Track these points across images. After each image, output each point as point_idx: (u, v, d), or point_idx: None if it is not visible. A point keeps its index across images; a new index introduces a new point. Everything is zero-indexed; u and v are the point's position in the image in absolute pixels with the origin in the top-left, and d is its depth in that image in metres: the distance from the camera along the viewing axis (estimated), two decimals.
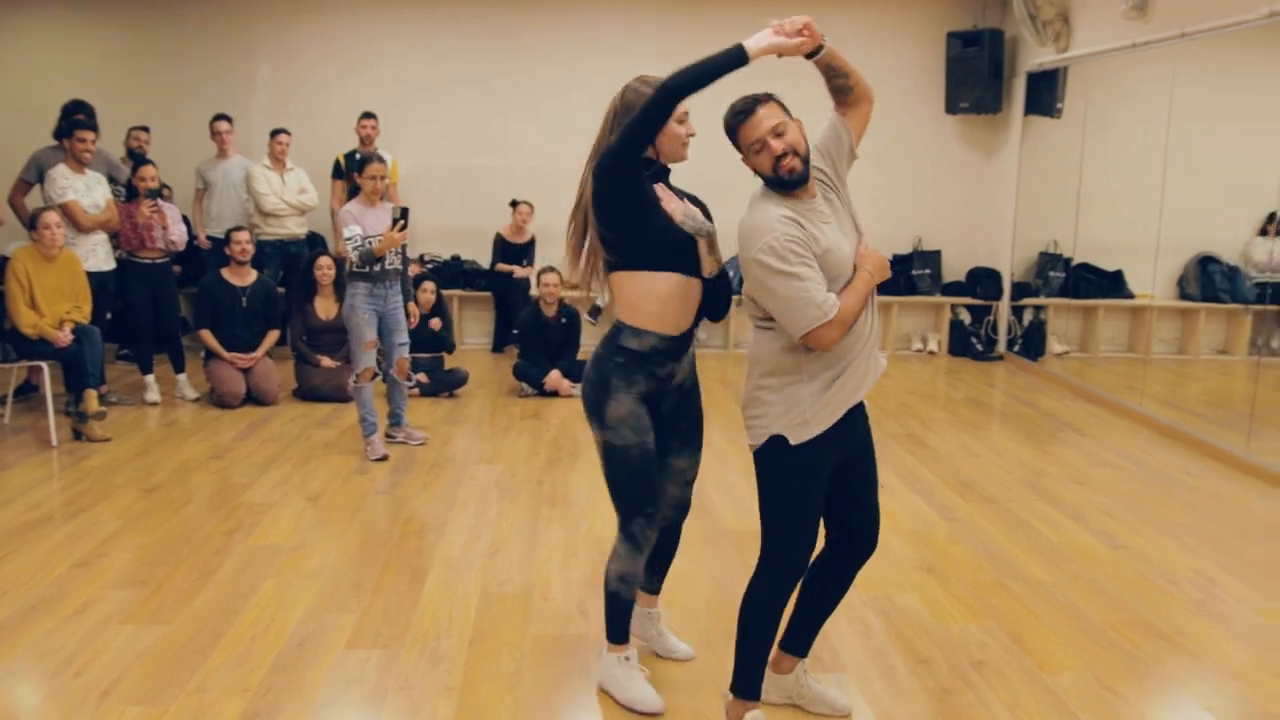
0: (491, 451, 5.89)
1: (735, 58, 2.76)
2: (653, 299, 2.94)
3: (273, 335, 7.03)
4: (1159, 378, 8.54)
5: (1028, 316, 9.39)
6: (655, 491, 3.03)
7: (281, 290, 7.51)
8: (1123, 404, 7.50)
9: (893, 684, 3.32)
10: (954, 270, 9.62)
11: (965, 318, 9.47)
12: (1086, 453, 6.18)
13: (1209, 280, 9.12)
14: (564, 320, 7.33)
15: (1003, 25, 9.04)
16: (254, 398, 6.81)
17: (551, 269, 7.38)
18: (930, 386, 8.17)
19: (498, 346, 8.89)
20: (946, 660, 3.49)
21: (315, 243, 8.43)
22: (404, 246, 5.70)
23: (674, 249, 2.94)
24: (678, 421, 3.16)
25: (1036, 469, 5.77)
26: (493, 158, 9.18)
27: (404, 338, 5.79)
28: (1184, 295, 9.11)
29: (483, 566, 4.20)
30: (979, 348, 9.35)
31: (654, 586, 3.44)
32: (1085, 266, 9.31)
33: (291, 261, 7.92)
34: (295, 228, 7.99)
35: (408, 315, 5.86)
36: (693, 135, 3.05)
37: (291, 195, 7.89)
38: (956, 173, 9.54)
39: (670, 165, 3.07)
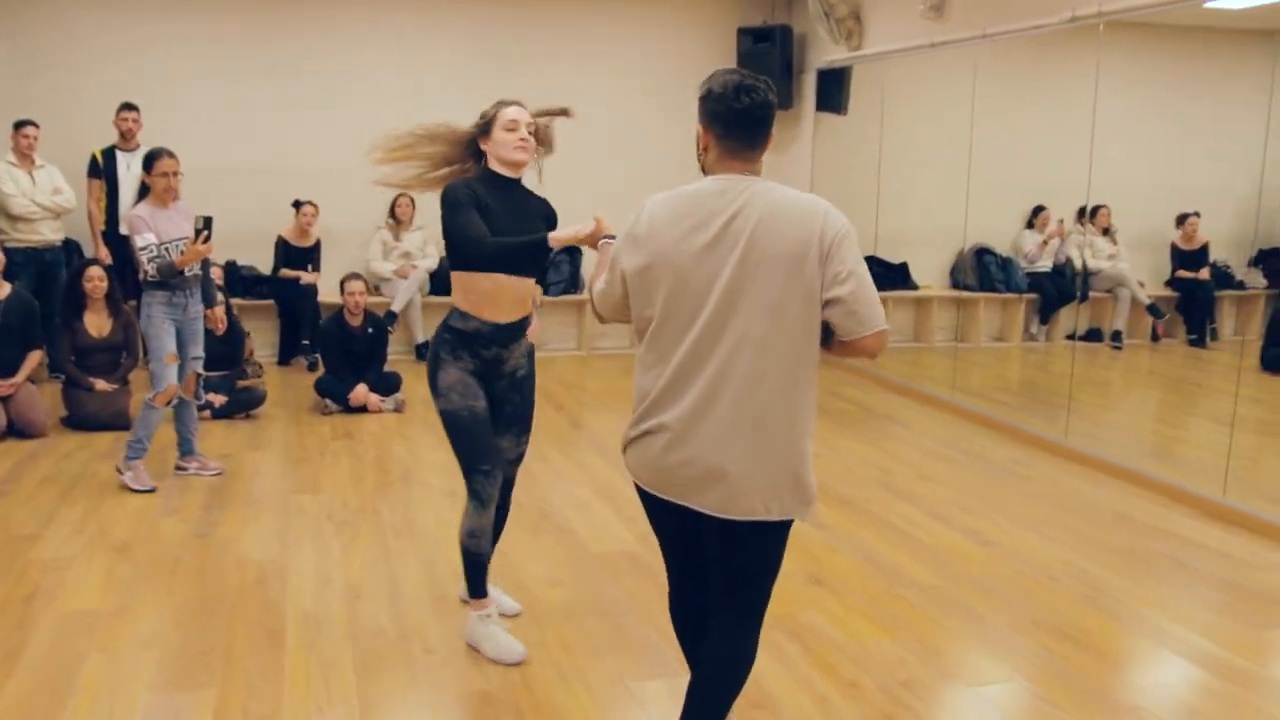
0: (311, 479, 5.34)
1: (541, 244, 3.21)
2: (479, 292, 3.33)
3: (34, 357, 6.12)
4: (945, 366, 8.88)
5: None
6: (489, 449, 3.37)
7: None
8: (930, 394, 7.70)
9: (831, 715, 3.13)
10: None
11: None
12: (918, 447, 6.26)
13: (985, 271, 9.56)
14: (370, 330, 6.79)
15: (792, 22, 9.12)
16: (17, 430, 5.91)
17: (357, 276, 6.82)
18: None
19: (284, 359, 8.18)
20: (874, 681, 3.34)
21: (74, 251, 7.48)
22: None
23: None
24: (504, 405, 3.49)
25: (881, 467, 5.78)
26: (273, 155, 8.43)
27: (199, 351, 5.18)
28: (962, 285, 9.52)
29: (345, 618, 3.72)
30: None
31: (478, 591, 3.51)
32: (873, 259, 9.57)
33: (46, 271, 6.98)
34: (50, 233, 7.05)
35: (213, 323, 5.34)
36: (525, 141, 3.37)
37: (44, 196, 6.96)
38: None
39: (514, 175, 3.42)
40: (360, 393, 6.62)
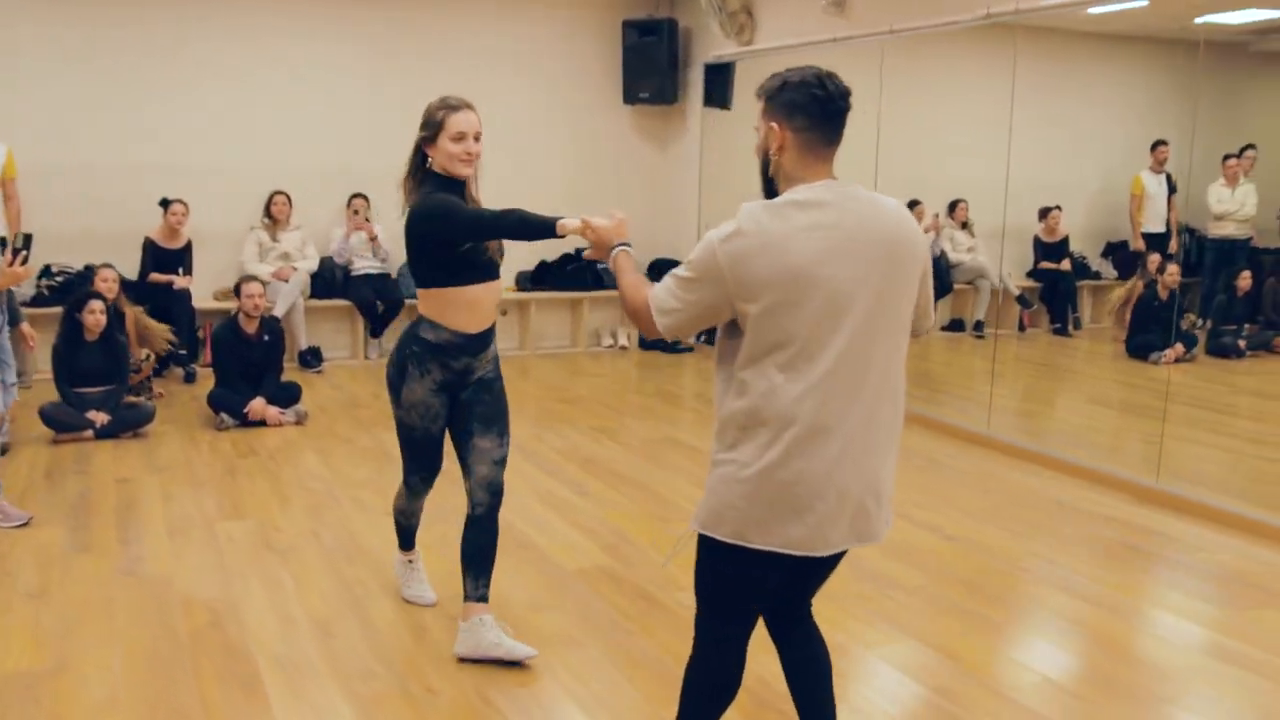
0: (231, 503, 4.87)
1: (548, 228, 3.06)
2: (456, 305, 3.24)
3: None
4: None
5: None
6: (433, 463, 3.50)
7: None
8: None
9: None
10: (639, 264, 9.46)
11: None
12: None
13: None
14: (266, 337, 6.29)
15: (678, 15, 8.99)
16: None
17: (252, 278, 6.31)
18: (659, 383, 7.97)
19: (158, 369, 7.53)
20: (912, 695, 3.21)
21: None
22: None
23: (468, 265, 3.23)
24: (475, 405, 3.36)
25: None
26: (135, 150, 7.73)
27: (12, 376, 4.74)
28: None
29: (325, 660, 3.36)
30: (667, 339, 9.26)
31: (478, 593, 3.35)
32: None
33: None
34: None
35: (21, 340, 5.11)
36: (472, 155, 3.22)
37: None
38: (637, 164, 9.40)
39: (456, 178, 3.25)
40: (259, 406, 6.12)
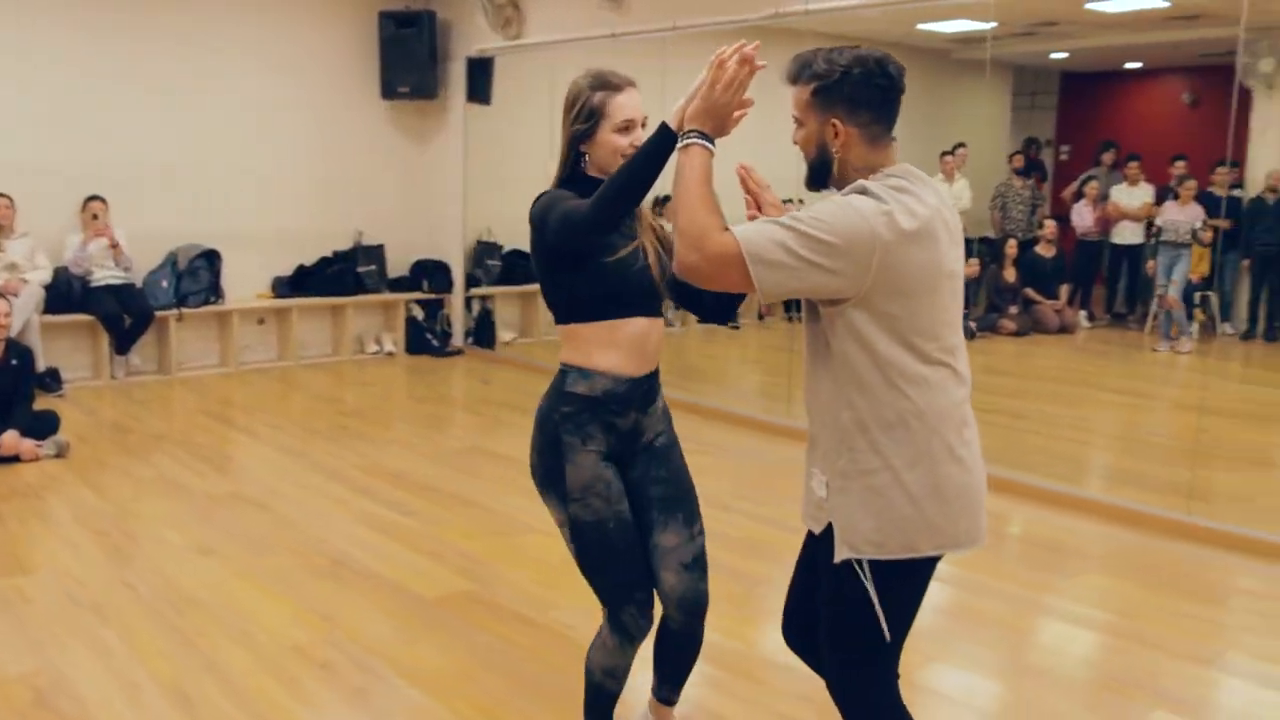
0: (11, 556, 4.23)
1: (663, 139, 2.17)
2: (606, 337, 2.42)
3: None
4: None
5: (476, 307, 9.22)
6: (642, 572, 2.45)
7: None
8: None
9: None
10: (399, 265, 9.08)
11: (419, 314, 9.00)
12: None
13: None
14: (14, 361, 5.53)
15: (435, 6, 8.65)
16: None
17: None
18: (451, 389, 7.64)
19: None
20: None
21: None
22: None
23: (627, 290, 2.42)
24: (648, 486, 2.50)
25: None
26: None
27: None
28: None
29: None
30: (435, 344, 8.95)
31: (665, 695, 2.71)
32: (518, 253, 9.39)
33: None
34: None
35: None
36: (636, 146, 2.33)
37: None
38: (396, 161, 9.00)
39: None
40: (10, 440, 5.37)
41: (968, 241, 8.95)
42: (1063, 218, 10.39)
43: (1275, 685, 3.33)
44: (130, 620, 3.64)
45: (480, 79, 8.68)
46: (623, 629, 2.44)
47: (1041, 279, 10.16)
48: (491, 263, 9.25)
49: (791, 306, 10.62)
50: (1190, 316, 7.70)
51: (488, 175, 8.89)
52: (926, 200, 1.97)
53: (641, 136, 2.37)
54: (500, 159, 8.89)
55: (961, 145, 10.58)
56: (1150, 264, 8.43)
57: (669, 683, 2.69)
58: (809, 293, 1.98)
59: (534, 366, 8.44)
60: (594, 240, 2.33)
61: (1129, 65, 11.09)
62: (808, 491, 2.16)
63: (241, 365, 8.05)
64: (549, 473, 2.44)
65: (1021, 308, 10.07)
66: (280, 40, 8.21)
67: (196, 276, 7.76)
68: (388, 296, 8.83)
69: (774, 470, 5.69)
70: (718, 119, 2.05)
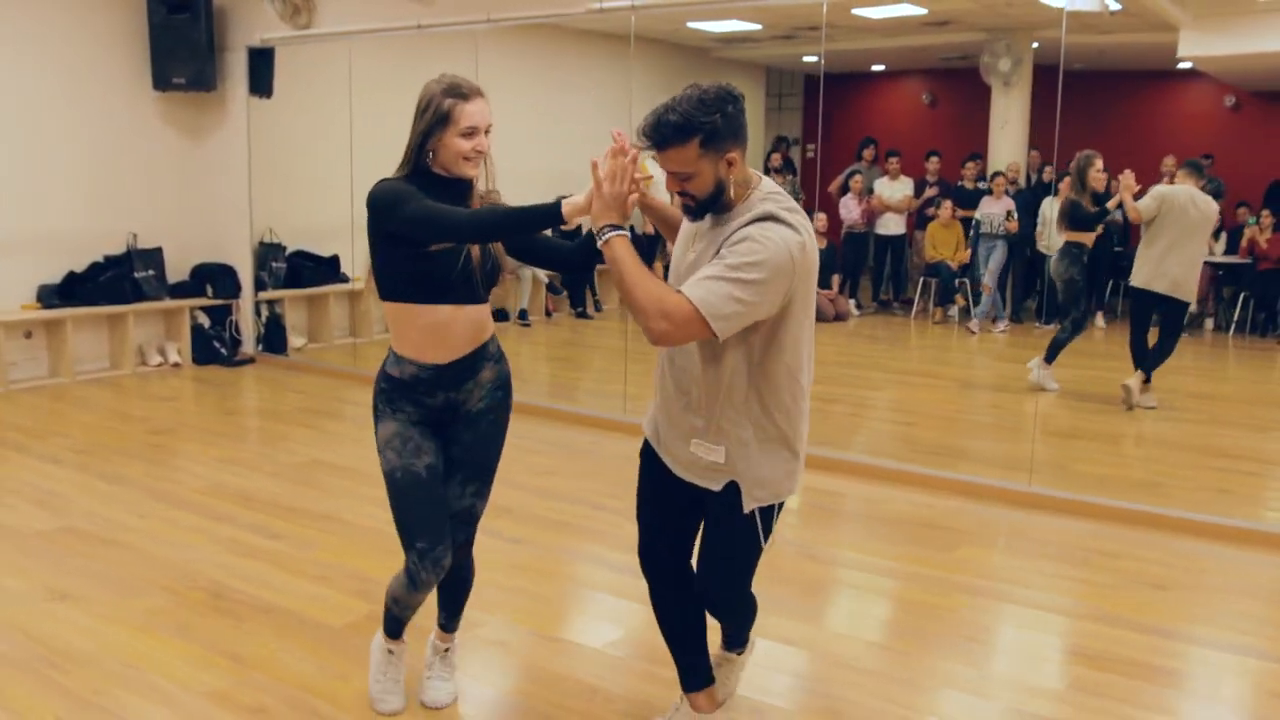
0: None
1: (552, 215, 2.45)
2: (418, 328, 2.72)
3: None
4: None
5: (265, 311, 8.71)
6: (429, 524, 2.75)
7: None
8: None
9: None
10: (179, 269, 8.44)
11: (205, 321, 8.40)
12: (533, 456, 6.08)
13: None
14: None
15: None
16: None
17: None
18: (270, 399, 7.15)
19: None
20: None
21: None
22: None
23: (439, 281, 2.69)
24: (451, 447, 2.85)
25: (518, 483, 5.52)
26: None
27: None
28: None
29: None
30: (224, 352, 8.38)
31: (445, 622, 3.12)
32: (303, 254, 8.97)
33: None
34: None
35: None
36: (480, 153, 2.67)
37: None
38: (172, 158, 8.35)
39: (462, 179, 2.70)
40: None
41: None
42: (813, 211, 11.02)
43: (1127, 626, 3.68)
44: (6, 687, 3.22)
45: (262, 70, 8.19)
46: (409, 573, 2.77)
47: None
48: (276, 265, 8.77)
49: (579, 302, 10.67)
50: (1003, 301, 8.34)
51: (274, 173, 8.42)
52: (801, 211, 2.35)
53: (484, 143, 2.64)
54: (288, 156, 8.44)
55: None
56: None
57: (445, 609, 3.09)
58: (750, 322, 2.30)
59: (331, 371, 8.10)
60: (419, 239, 2.57)
61: (874, 68, 11.78)
62: (692, 458, 2.53)
63: (11, 385, 7.25)
64: (375, 431, 2.83)
65: None
66: (36, 25, 7.43)
67: None
68: (170, 303, 8.19)
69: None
70: (620, 208, 2.32)
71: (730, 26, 10.43)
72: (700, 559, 2.64)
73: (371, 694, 3.06)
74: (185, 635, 3.57)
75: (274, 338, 8.67)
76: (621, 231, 2.31)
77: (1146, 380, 6.60)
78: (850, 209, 10.67)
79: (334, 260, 9.16)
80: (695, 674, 2.79)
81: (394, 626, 3.00)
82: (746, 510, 2.50)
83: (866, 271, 11.12)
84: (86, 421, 6.49)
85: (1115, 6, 7.59)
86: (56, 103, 7.57)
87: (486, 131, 2.65)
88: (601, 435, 6.33)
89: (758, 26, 10.62)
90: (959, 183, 9.12)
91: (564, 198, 2.42)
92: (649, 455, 2.68)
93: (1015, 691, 3.23)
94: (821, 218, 10.85)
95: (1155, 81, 10.57)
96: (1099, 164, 6.68)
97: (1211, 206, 6.47)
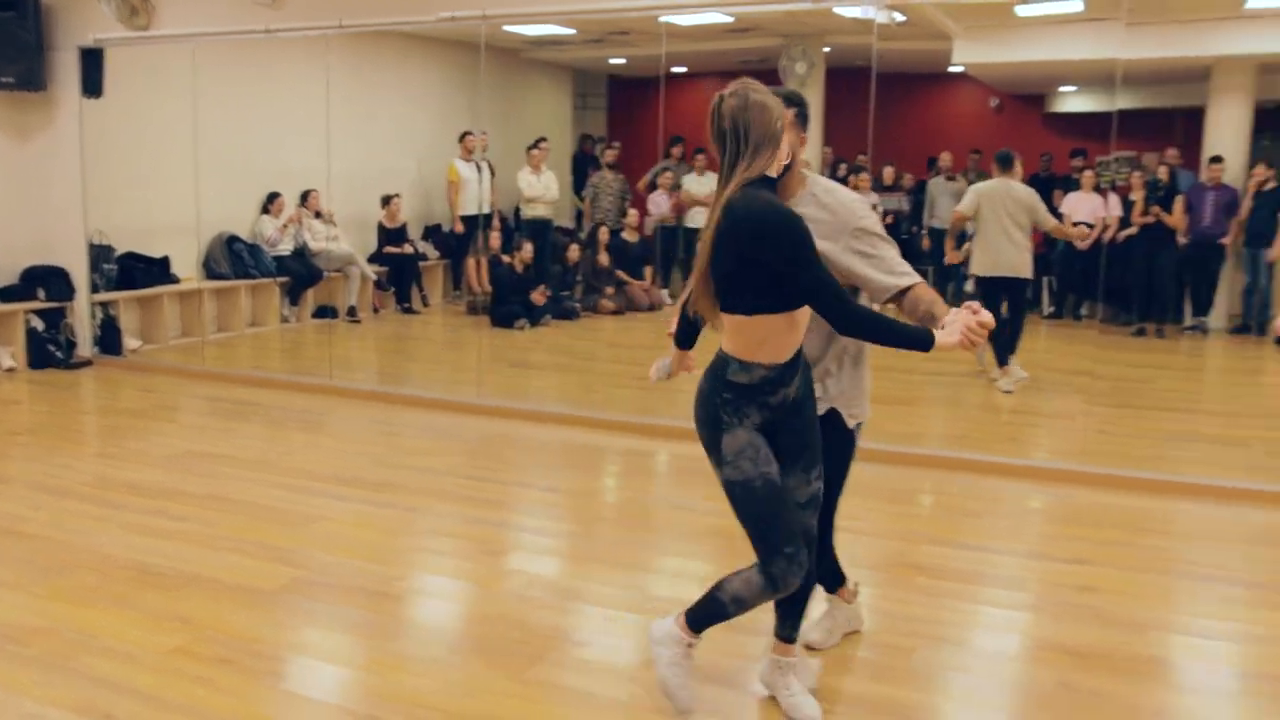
0: None
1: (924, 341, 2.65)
2: (768, 331, 2.76)
3: None
4: (274, 352, 8.96)
5: (99, 314, 8.67)
6: (793, 528, 2.80)
7: None
8: (296, 380, 7.66)
9: None
10: (8, 273, 8.31)
11: (39, 324, 8.29)
12: (353, 440, 6.44)
13: (237, 258, 9.68)
14: None
15: None
16: None
17: None
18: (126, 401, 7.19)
19: None
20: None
21: None
22: None
23: None
24: (778, 435, 2.87)
25: (391, 461, 5.89)
26: None
27: None
28: (216, 274, 9.52)
29: None
30: (60, 355, 8.31)
31: (785, 633, 3.12)
32: (133, 255, 8.98)
33: None
34: None
35: None
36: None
37: None
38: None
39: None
40: None
41: (564, 230, 10.26)
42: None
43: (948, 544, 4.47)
44: None
45: (92, 71, 8.17)
46: (771, 579, 2.77)
47: (629, 262, 11.33)
48: (107, 267, 8.75)
49: (405, 299, 10.96)
50: None
51: (107, 175, 8.41)
52: None
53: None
54: (122, 158, 8.45)
55: (544, 140, 11.49)
56: None
57: (788, 620, 3.10)
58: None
59: (174, 370, 8.20)
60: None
61: (675, 70, 12.48)
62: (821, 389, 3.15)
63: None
64: (712, 443, 2.85)
65: (616, 288, 11.18)
66: None
67: None
68: (1, 307, 8.07)
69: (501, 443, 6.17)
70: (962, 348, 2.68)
71: (543, 30, 10.91)
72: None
73: (669, 686, 2.95)
74: (128, 605, 3.83)
75: (109, 340, 8.64)
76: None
77: (1004, 364, 7.42)
78: (660, 204, 11.36)
79: (164, 261, 9.20)
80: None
81: (707, 623, 2.91)
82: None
83: (678, 263, 11.85)
84: None
85: (900, 18, 8.51)
86: None
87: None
88: (459, 418, 6.75)
89: (572, 31, 11.16)
90: None
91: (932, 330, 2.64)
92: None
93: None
94: (634, 213, 11.52)
95: (930, 83, 11.75)
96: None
97: (1026, 192, 7.32)
